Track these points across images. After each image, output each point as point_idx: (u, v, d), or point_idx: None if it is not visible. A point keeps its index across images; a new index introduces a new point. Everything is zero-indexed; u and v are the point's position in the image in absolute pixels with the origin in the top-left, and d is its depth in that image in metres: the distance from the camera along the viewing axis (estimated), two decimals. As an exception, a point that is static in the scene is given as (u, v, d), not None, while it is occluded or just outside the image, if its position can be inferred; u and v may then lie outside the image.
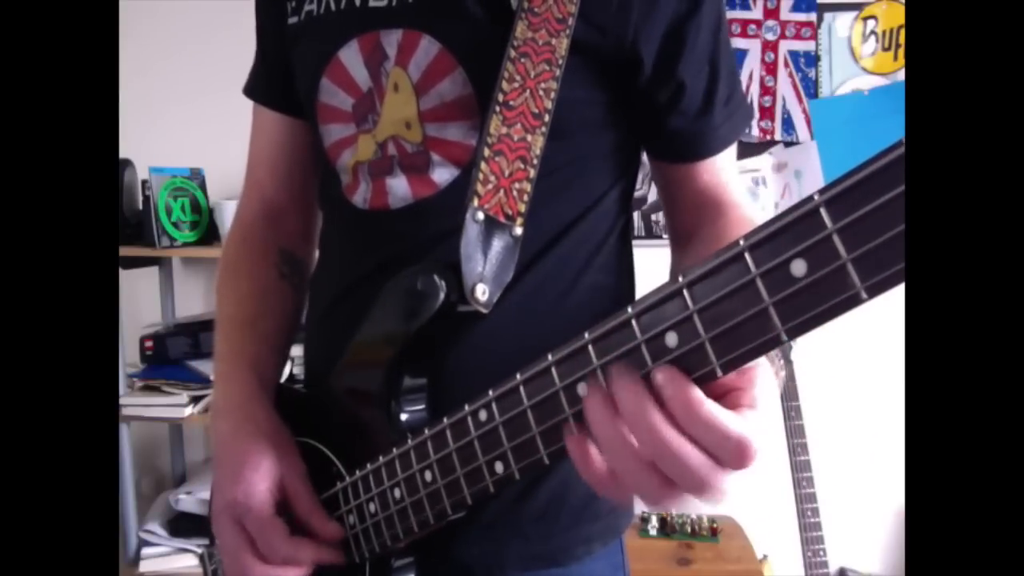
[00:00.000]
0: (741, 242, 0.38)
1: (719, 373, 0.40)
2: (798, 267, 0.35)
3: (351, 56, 0.72)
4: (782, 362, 0.51)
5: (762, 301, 0.37)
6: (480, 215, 0.62)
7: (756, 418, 0.42)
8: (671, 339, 0.41)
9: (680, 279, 0.41)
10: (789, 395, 1.80)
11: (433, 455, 0.57)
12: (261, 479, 0.66)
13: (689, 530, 2.07)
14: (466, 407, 0.54)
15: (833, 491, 2.04)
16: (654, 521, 2.10)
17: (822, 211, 0.34)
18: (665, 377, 0.41)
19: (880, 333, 2.04)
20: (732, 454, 0.40)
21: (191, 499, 1.96)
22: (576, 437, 0.46)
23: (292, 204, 0.87)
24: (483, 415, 0.52)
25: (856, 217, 0.33)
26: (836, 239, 0.34)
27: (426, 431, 0.58)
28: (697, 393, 0.40)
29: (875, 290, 0.33)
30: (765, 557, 2.12)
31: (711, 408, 0.40)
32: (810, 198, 0.35)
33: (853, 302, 0.34)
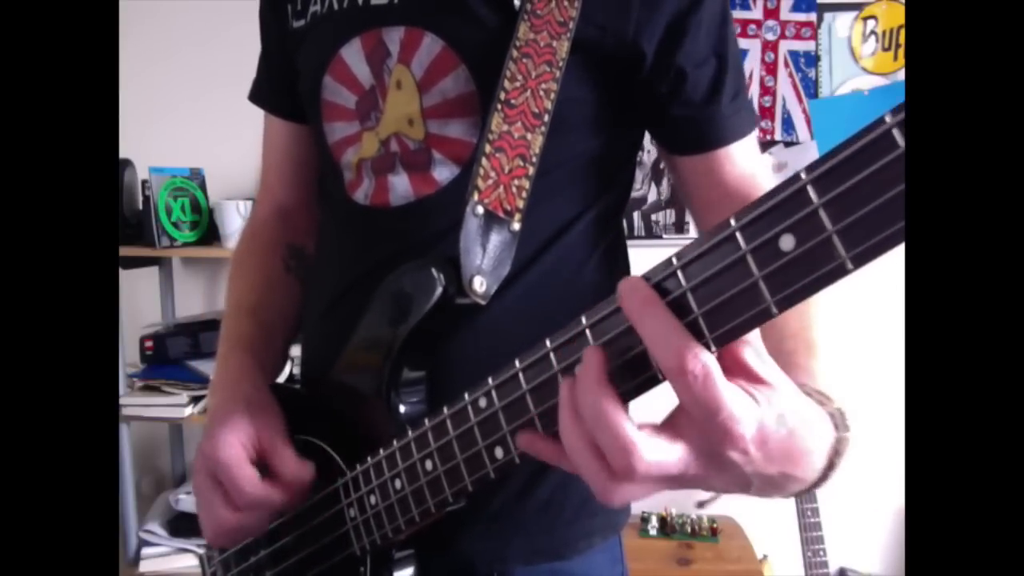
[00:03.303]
0: (732, 221, 0.39)
1: (712, 348, 0.40)
2: (786, 242, 0.37)
3: (353, 54, 0.73)
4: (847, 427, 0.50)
5: (752, 275, 0.38)
6: (480, 209, 0.63)
7: (770, 393, 0.42)
8: None
9: (674, 261, 0.41)
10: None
11: (433, 444, 0.57)
12: (232, 433, 0.67)
13: (689, 530, 2.07)
14: (466, 396, 0.54)
15: (833, 491, 2.04)
16: (654, 521, 2.10)
17: (808, 188, 0.36)
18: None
19: (880, 333, 2.05)
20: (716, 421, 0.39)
21: (191, 499, 1.96)
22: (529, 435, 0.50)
23: (302, 204, 0.90)
24: (483, 402, 0.53)
25: (840, 192, 0.35)
26: (822, 213, 0.35)
27: (426, 421, 0.58)
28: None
29: (860, 260, 0.34)
30: (765, 557, 2.12)
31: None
32: (796, 176, 0.36)
33: (839, 272, 0.35)
